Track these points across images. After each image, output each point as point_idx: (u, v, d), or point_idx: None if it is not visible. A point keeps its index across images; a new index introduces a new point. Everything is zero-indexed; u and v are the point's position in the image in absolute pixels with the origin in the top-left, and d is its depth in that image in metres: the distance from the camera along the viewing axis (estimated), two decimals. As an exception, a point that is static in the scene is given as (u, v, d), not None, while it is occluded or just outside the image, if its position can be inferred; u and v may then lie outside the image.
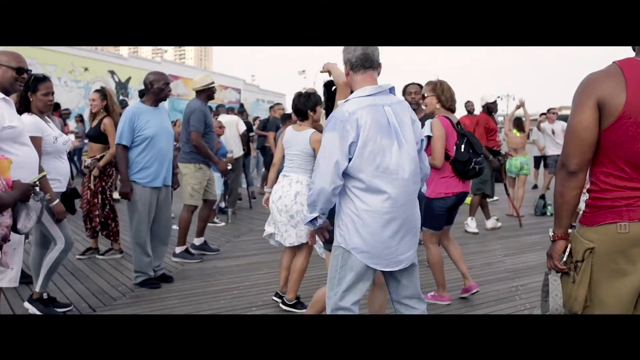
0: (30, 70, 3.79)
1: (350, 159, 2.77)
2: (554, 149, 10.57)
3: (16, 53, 3.69)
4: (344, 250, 2.89)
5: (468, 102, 9.53)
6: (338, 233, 2.93)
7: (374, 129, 2.78)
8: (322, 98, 3.66)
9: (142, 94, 5.32)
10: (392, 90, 2.96)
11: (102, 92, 6.16)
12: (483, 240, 7.35)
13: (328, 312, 2.99)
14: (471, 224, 7.91)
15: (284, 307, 4.59)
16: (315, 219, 2.91)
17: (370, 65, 2.91)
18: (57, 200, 4.15)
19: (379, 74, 2.98)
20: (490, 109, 7.91)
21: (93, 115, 6.22)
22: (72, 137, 4.65)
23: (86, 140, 6.55)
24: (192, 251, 6.41)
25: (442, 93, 4.56)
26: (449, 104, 4.57)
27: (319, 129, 6.06)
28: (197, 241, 6.58)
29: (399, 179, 2.83)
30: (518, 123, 9.45)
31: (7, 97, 3.59)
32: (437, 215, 4.59)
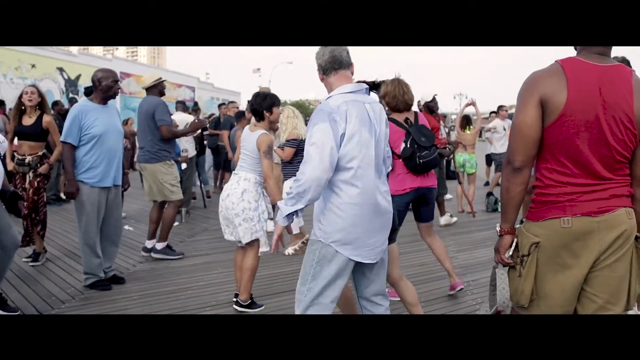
0: None
1: (341, 149, 2.81)
2: (500, 148, 10.84)
3: None
4: (323, 245, 2.89)
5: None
6: (317, 227, 2.93)
7: (359, 122, 2.83)
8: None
9: (89, 92, 5.17)
10: (367, 90, 3.03)
11: (37, 88, 5.97)
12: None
13: (300, 309, 2.96)
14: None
15: (238, 309, 4.55)
16: (295, 212, 2.83)
17: (340, 65, 2.96)
18: None
19: (352, 73, 3.03)
20: (430, 107, 7.97)
21: (22, 111, 5.86)
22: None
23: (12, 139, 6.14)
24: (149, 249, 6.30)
25: (385, 96, 4.58)
26: (393, 105, 4.59)
27: (277, 130, 6.04)
28: (159, 245, 6.35)
29: (375, 172, 2.92)
30: (466, 121, 9.81)
31: None
32: (397, 211, 4.65)
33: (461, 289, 4.90)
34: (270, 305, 4.69)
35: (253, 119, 4.61)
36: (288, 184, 6.36)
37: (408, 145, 4.49)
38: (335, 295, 2.94)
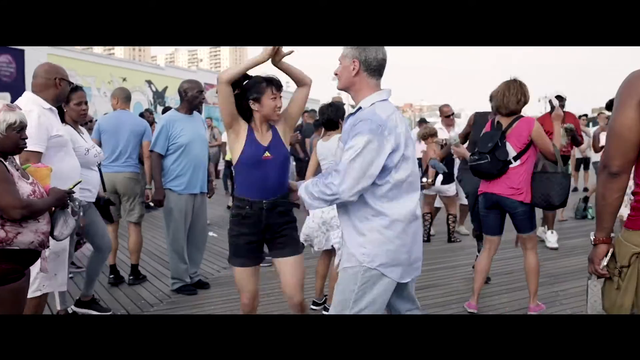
0: (72, 83, 3.93)
1: (385, 165, 2.59)
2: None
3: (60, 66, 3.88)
4: (367, 269, 2.66)
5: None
6: (359, 252, 2.67)
7: (404, 135, 2.66)
8: None
9: (165, 110, 5.41)
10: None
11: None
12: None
13: None
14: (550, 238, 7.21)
15: (314, 307, 4.72)
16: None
17: (381, 75, 2.77)
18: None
19: None
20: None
21: None
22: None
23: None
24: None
25: (493, 100, 4.49)
26: (496, 109, 4.48)
27: None
28: None
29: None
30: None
31: (53, 107, 3.71)
32: (480, 214, 4.68)
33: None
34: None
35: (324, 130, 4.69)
36: None
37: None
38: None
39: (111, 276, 5.63)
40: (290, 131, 3.50)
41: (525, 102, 4.39)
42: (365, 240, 2.67)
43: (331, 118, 4.54)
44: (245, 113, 3.35)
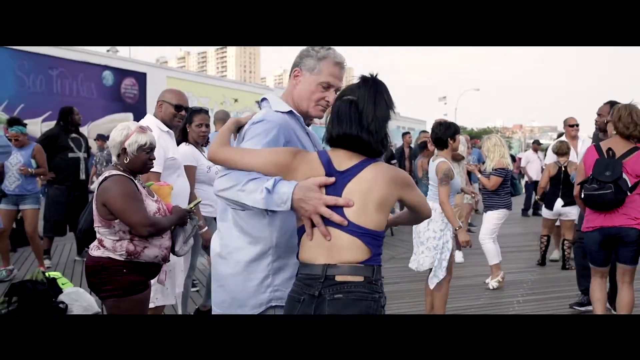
0: (190, 108, 4.08)
1: None
2: None
3: (179, 91, 4.03)
4: None
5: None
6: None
7: None
8: None
9: None
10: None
11: None
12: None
13: None
14: None
15: None
16: None
17: None
18: (206, 227, 4.28)
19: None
20: None
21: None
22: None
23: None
24: None
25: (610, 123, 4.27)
26: (615, 132, 4.24)
27: (457, 158, 6.15)
28: None
29: None
30: None
31: (170, 130, 3.91)
32: (589, 252, 4.40)
33: None
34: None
35: (436, 150, 4.76)
36: (493, 215, 6.22)
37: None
38: None
39: None
40: None
41: None
42: None
43: (439, 136, 4.63)
44: None
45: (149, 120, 3.85)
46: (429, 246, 4.53)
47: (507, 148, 6.37)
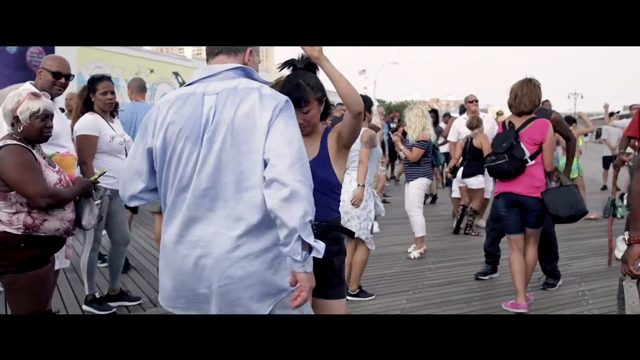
0: (73, 76, 3.78)
1: None
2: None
3: (60, 58, 3.80)
4: None
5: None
6: None
7: None
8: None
9: None
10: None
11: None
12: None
13: None
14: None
15: (349, 298, 4.68)
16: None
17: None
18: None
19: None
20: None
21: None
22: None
23: None
24: None
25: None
26: (509, 108, 4.53)
27: (375, 129, 6.27)
28: None
29: None
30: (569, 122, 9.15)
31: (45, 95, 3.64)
32: (500, 215, 4.68)
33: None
34: (372, 307, 4.67)
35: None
36: (415, 185, 6.34)
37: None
38: None
39: None
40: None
41: (538, 104, 4.42)
42: None
43: None
44: None
45: (27, 88, 3.52)
46: (353, 215, 4.66)
47: (430, 119, 6.47)
